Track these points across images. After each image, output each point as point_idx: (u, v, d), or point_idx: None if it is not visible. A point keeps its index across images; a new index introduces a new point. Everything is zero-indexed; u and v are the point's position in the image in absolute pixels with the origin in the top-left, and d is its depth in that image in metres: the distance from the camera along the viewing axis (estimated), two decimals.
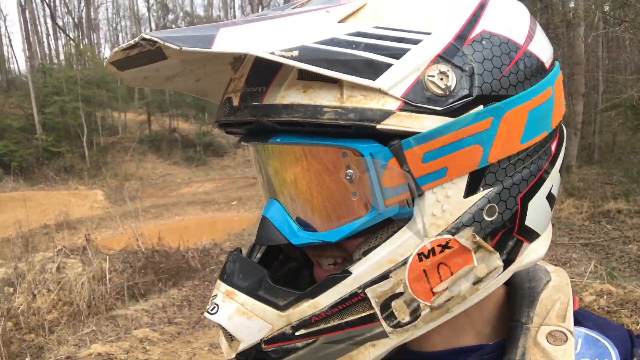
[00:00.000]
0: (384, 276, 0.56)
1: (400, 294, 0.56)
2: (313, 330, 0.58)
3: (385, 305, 0.57)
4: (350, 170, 0.56)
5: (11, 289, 7.17)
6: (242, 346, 0.60)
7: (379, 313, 0.57)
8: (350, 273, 0.57)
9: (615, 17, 9.90)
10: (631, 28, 9.21)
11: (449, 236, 0.56)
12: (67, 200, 19.34)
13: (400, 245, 0.56)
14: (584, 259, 7.55)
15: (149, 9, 50.32)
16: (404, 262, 0.56)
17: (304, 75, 0.55)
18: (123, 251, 9.34)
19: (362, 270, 0.57)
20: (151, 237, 9.57)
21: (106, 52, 53.62)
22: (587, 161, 17.40)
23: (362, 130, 0.54)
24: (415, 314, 0.57)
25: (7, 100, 31.35)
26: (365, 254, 0.57)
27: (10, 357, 5.63)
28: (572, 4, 15.54)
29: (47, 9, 42.74)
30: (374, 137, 0.55)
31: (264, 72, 0.57)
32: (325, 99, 0.54)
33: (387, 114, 0.53)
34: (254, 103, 0.57)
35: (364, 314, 0.57)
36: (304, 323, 0.58)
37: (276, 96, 0.56)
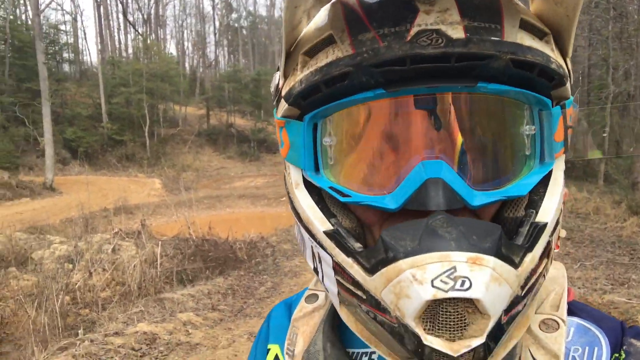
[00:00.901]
0: (557, 222, 0.60)
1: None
2: (529, 287, 0.54)
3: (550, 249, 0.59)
4: (531, 125, 0.59)
5: (70, 266, 7.61)
6: (492, 323, 0.49)
7: (546, 259, 0.58)
8: (546, 222, 0.57)
9: None
10: None
11: None
12: (126, 186, 20.30)
13: (558, 193, 0.60)
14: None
15: (213, 8, 51.96)
16: (560, 210, 0.61)
17: (524, 26, 0.57)
18: (175, 238, 9.68)
19: (551, 217, 0.58)
20: (202, 227, 9.87)
21: (172, 48, 55.73)
22: None
23: (547, 86, 0.59)
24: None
25: (79, 90, 33.28)
26: (534, 206, 0.59)
27: (66, 328, 5.98)
28: None
29: (119, 6, 44.93)
30: (545, 94, 0.59)
31: (487, 9, 0.57)
32: (548, 50, 0.58)
33: (567, 75, 0.60)
34: (493, 38, 0.55)
35: (544, 264, 0.57)
36: (527, 280, 0.54)
37: (515, 36, 0.56)
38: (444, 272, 0.48)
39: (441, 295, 0.47)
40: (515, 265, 0.51)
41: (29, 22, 32.88)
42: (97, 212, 13.56)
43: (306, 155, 0.63)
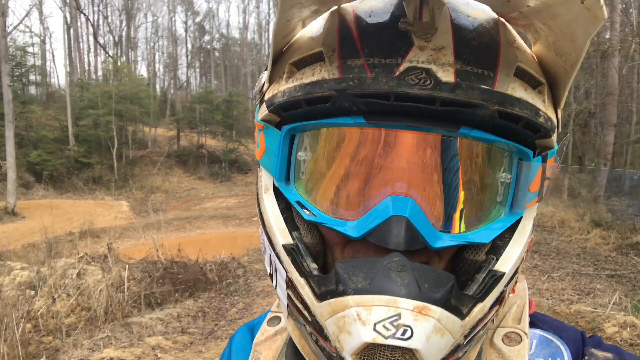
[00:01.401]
0: (515, 272, 0.59)
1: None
2: (473, 336, 0.55)
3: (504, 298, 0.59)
4: (508, 173, 0.59)
5: (32, 292, 7.32)
6: None
7: (498, 306, 0.58)
8: (504, 272, 0.57)
9: None
10: None
11: None
12: (92, 209, 19.77)
13: (523, 243, 0.60)
14: (608, 290, 7.29)
15: (186, 30, 51.95)
16: (522, 258, 0.60)
17: (520, 74, 0.56)
18: (143, 261, 9.44)
19: (510, 267, 0.58)
20: (171, 249, 9.68)
21: (142, 70, 55.27)
22: (616, 192, 16.93)
23: (530, 137, 0.58)
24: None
25: (45, 112, 32.53)
26: (496, 252, 0.59)
27: (28, 357, 5.72)
28: (607, 35, 15.36)
29: (90, 28, 44.49)
30: (528, 144, 0.59)
31: (483, 54, 0.55)
32: (538, 102, 0.57)
33: (555, 127, 0.60)
34: (483, 86, 0.53)
35: (494, 311, 0.58)
36: (472, 329, 0.54)
37: (507, 86, 0.55)
38: (388, 318, 0.48)
39: (380, 340, 0.48)
40: (462, 316, 0.52)
41: None
42: (61, 237, 13.16)
43: (279, 164, 0.62)
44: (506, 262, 0.58)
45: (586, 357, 0.64)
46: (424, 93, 0.53)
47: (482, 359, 0.62)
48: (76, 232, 13.00)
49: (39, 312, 6.69)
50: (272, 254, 0.63)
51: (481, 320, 0.54)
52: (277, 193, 0.64)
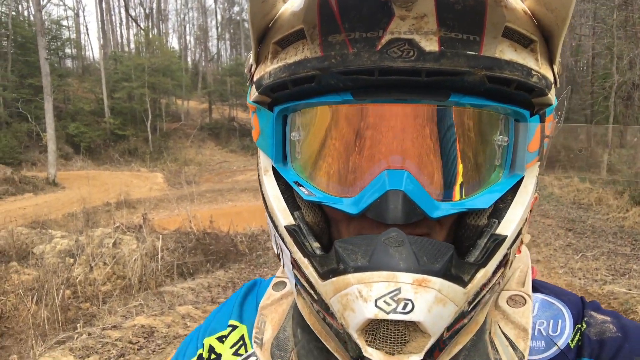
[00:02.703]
0: (519, 233, 0.59)
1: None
2: (478, 301, 0.55)
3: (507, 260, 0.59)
4: (504, 136, 0.58)
5: (71, 260, 7.64)
6: (431, 341, 0.50)
7: (503, 268, 0.58)
8: (506, 235, 0.57)
9: None
10: None
11: None
12: (129, 180, 20.37)
13: (525, 204, 0.59)
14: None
15: (215, 1, 51.77)
16: (525, 219, 0.60)
17: (509, 34, 0.54)
18: (176, 231, 9.70)
19: (512, 229, 0.58)
20: (204, 220, 9.88)
21: (174, 42, 55.64)
22: None
23: (525, 97, 0.57)
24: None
25: (81, 85, 33.34)
26: (498, 215, 0.58)
27: (67, 322, 6.01)
28: None
29: (121, 1, 44.86)
30: (524, 104, 0.58)
31: (468, 18, 0.53)
32: (530, 62, 0.56)
33: (551, 85, 0.58)
34: (469, 52, 0.52)
35: (499, 274, 0.58)
36: (476, 295, 0.54)
37: (494, 49, 0.53)
38: (388, 293, 0.49)
39: (382, 316, 0.49)
40: (464, 284, 0.52)
41: (31, 18, 32.91)
42: (99, 207, 13.60)
43: (274, 146, 0.62)
44: (508, 225, 0.58)
45: (585, 319, 0.65)
46: (408, 65, 0.51)
47: (487, 321, 0.63)
48: (113, 202, 13.42)
49: (77, 280, 6.98)
50: (276, 235, 0.63)
51: (485, 285, 0.55)
52: (277, 174, 0.64)
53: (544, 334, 0.64)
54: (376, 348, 0.51)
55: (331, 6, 0.55)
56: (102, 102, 30.78)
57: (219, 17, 52.08)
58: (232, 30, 54.47)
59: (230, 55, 55.64)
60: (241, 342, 0.77)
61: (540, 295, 0.69)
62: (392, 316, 0.49)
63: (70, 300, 6.58)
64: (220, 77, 39.55)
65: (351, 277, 0.51)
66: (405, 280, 0.49)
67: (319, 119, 0.60)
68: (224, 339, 0.78)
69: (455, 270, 0.52)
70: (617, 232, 9.63)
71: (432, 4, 0.52)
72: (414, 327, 0.50)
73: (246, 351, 0.75)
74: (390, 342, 0.50)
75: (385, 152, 0.56)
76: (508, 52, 0.54)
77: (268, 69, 0.60)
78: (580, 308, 0.67)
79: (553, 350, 0.63)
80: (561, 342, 0.63)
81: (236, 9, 53.80)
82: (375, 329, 0.51)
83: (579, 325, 0.64)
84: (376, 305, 0.49)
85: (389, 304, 0.49)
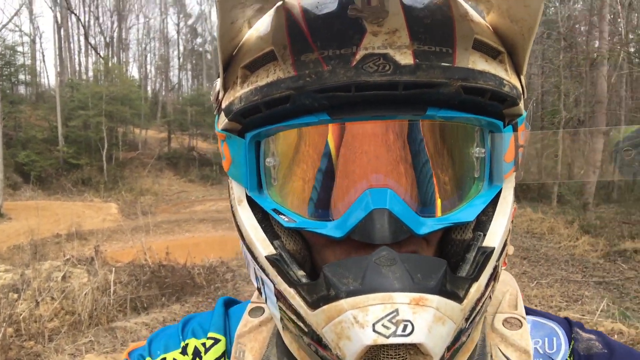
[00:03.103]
0: (504, 244, 0.59)
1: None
2: (474, 317, 0.54)
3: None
4: (481, 147, 0.58)
5: (15, 295, 7.19)
6: None
7: (493, 282, 0.58)
8: (493, 247, 0.56)
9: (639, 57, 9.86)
10: None
11: None
12: (81, 211, 19.58)
13: (507, 214, 0.59)
14: (596, 297, 7.33)
15: (178, 32, 51.78)
16: (509, 230, 0.60)
17: (478, 46, 0.55)
18: (130, 264, 9.34)
19: (499, 241, 0.57)
20: (159, 252, 9.58)
21: (134, 71, 55.13)
22: (605, 199, 17.06)
23: (497, 108, 0.57)
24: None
25: (34, 112, 32.22)
26: (482, 228, 0.58)
27: None
28: (596, 44, 15.55)
29: (81, 28, 44.21)
30: (496, 115, 0.58)
31: (439, 31, 0.53)
32: (501, 72, 0.56)
33: (521, 95, 0.59)
34: (443, 64, 0.52)
35: (490, 287, 0.57)
36: (472, 310, 0.53)
37: (467, 60, 0.54)
38: (386, 316, 0.47)
39: (382, 341, 0.46)
40: (460, 300, 0.50)
41: None
42: (48, 239, 12.98)
43: (248, 174, 0.60)
44: (494, 237, 0.57)
45: (573, 335, 0.66)
46: (385, 79, 0.51)
47: (486, 344, 0.63)
48: (63, 234, 12.85)
49: (21, 316, 6.57)
50: (256, 267, 0.60)
51: (479, 300, 0.54)
52: (252, 203, 0.62)
53: (541, 352, 0.65)
54: None
55: (300, 26, 0.55)
56: (56, 130, 29.81)
57: (181, 47, 52.08)
58: (194, 61, 54.47)
59: (192, 85, 55.47)
60: (222, 358, 0.72)
61: (530, 317, 0.69)
62: (392, 340, 0.46)
63: (12, 338, 6.16)
64: (180, 106, 39.25)
65: (344, 302, 0.48)
66: (402, 301, 0.47)
67: (294, 141, 0.58)
68: (199, 353, 0.73)
69: (450, 286, 0.50)
70: (568, 259, 9.99)
71: (402, 19, 0.53)
72: (414, 350, 0.47)
73: None
74: None
75: (365, 172, 0.55)
76: (480, 63, 0.55)
77: (238, 94, 0.58)
78: (568, 326, 0.69)
79: None
80: (559, 359, 0.64)
81: (199, 40, 54.02)
82: (375, 357, 0.48)
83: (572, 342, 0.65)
84: (374, 330, 0.46)
85: (387, 328, 0.46)
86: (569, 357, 0.64)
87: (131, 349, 0.77)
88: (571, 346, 0.65)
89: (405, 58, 0.51)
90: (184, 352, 0.73)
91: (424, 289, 0.48)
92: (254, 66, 0.57)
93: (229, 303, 0.81)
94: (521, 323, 0.65)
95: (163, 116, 38.12)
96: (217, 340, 0.73)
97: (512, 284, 0.72)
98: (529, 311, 0.71)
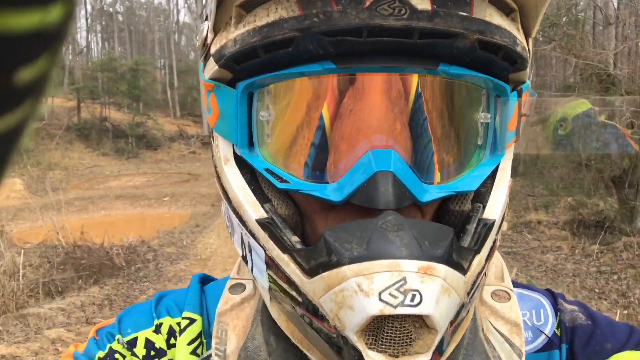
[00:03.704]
0: (503, 216, 0.57)
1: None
2: (474, 292, 0.51)
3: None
4: (486, 112, 0.55)
5: None
6: (438, 338, 0.45)
7: (491, 256, 0.56)
8: (494, 220, 0.54)
9: (544, 36, 10.50)
10: (559, 47, 9.76)
11: None
12: None
13: (506, 186, 0.57)
14: (506, 266, 7.92)
15: None
16: (506, 203, 0.58)
17: (493, 1, 0.51)
18: (41, 245, 8.76)
19: (499, 214, 0.55)
20: (73, 232, 9.04)
21: None
22: (512, 173, 18.35)
23: (506, 69, 0.54)
24: None
25: None
26: (481, 200, 0.56)
27: None
28: None
29: None
30: (502, 78, 0.55)
31: None
32: (514, 30, 0.53)
33: (527, 60, 0.55)
34: (461, 13, 0.48)
35: (488, 263, 0.55)
36: (472, 285, 0.50)
37: (484, 12, 0.50)
38: (393, 284, 0.44)
39: (389, 311, 0.43)
40: (464, 271, 0.48)
41: None
42: None
43: (239, 129, 0.55)
44: (493, 209, 0.55)
45: (559, 307, 0.66)
46: (401, 24, 0.47)
47: (476, 317, 0.61)
48: None
49: None
50: (244, 232, 0.56)
51: (479, 273, 0.52)
52: (239, 162, 0.57)
53: (529, 324, 0.65)
54: (378, 351, 0.45)
55: None
56: None
57: (88, 7, 48.21)
58: (104, 22, 50.75)
59: (102, 49, 51.82)
60: (199, 339, 0.67)
61: (515, 289, 0.67)
62: (400, 310, 0.43)
63: None
64: (90, 72, 36.62)
65: (347, 269, 0.45)
66: (410, 269, 0.44)
67: (292, 93, 0.53)
68: (174, 332, 0.69)
69: (456, 257, 0.47)
70: None
71: None
72: (420, 323, 0.45)
73: (203, 352, 0.67)
74: (395, 343, 0.44)
75: (368, 130, 0.51)
76: (496, 17, 0.51)
77: (232, 36, 0.52)
78: (552, 298, 0.68)
79: (541, 339, 0.64)
80: (548, 330, 0.64)
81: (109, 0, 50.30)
82: (377, 329, 0.45)
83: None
84: (380, 299, 0.43)
85: (395, 297, 0.43)
86: (557, 328, 0.65)
87: (99, 327, 0.72)
88: (558, 317, 0.65)
89: (422, 3, 0.47)
90: (157, 330, 0.68)
91: (432, 257, 0.45)
92: (251, 4, 0.52)
93: (204, 280, 0.76)
94: (509, 295, 0.63)
95: (71, 83, 35.36)
96: (192, 320, 0.68)
97: (496, 255, 0.69)
98: (512, 284, 0.69)
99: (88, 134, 29.84)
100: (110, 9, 50.15)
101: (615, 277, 6.42)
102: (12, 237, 9.39)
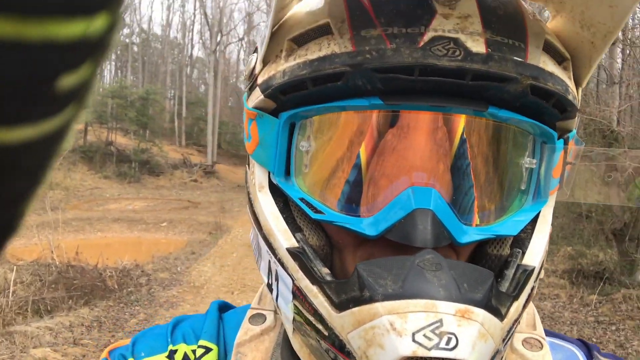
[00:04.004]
0: (543, 263, 0.56)
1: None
2: (508, 339, 0.50)
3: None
4: (532, 158, 0.55)
5: None
6: None
7: (528, 304, 0.55)
8: (534, 267, 0.53)
9: None
10: None
11: None
12: None
13: (547, 233, 0.56)
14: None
15: None
16: (546, 250, 0.57)
17: (547, 48, 0.52)
18: (34, 263, 8.65)
19: (539, 260, 0.54)
20: (68, 251, 8.97)
21: None
22: None
23: (556, 116, 0.54)
24: None
25: None
26: (521, 245, 0.55)
27: None
28: None
29: None
30: (550, 125, 0.55)
31: (511, 23, 0.50)
32: (566, 79, 0.53)
33: (577, 109, 0.55)
34: (515, 58, 0.48)
35: (525, 310, 0.54)
36: (508, 332, 0.49)
37: (538, 59, 0.50)
38: (429, 325, 0.42)
39: (422, 352, 0.42)
40: (502, 317, 0.47)
41: None
42: None
43: (278, 157, 0.55)
44: (533, 256, 0.54)
45: (593, 359, 0.65)
46: (454, 65, 0.47)
47: None
48: None
49: None
50: (273, 260, 0.55)
51: (515, 320, 0.50)
52: (273, 190, 0.57)
53: None
54: None
55: (361, 1, 0.51)
56: None
57: None
58: (118, 52, 51.95)
59: (115, 76, 52.83)
60: None
61: (547, 338, 0.65)
62: (434, 353, 0.41)
63: None
64: (100, 98, 37.24)
65: (380, 306, 0.43)
66: (447, 311, 0.43)
67: (335, 126, 0.53)
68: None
69: (495, 302, 0.46)
70: None
71: (474, 5, 0.50)
72: None
73: None
74: None
75: (410, 167, 0.50)
76: (550, 65, 0.51)
77: (282, 67, 0.53)
78: (587, 350, 0.67)
79: None
80: None
81: (126, 30, 51.62)
82: None
83: None
84: (414, 340, 0.42)
85: (430, 339, 0.42)
86: None
87: (113, 348, 0.70)
88: None
89: (477, 46, 0.48)
90: (171, 356, 0.66)
91: (470, 300, 0.44)
92: (304, 39, 0.52)
93: (223, 307, 0.74)
94: (541, 344, 0.61)
95: None
96: (208, 350, 0.66)
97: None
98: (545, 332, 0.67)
99: (92, 156, 30.03)
100: (127, 40, 51.49)
101: (614, 327, 6.30)
102: (6, 253, 9.30)
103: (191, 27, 48.67)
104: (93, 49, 0.20)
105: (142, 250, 11.63)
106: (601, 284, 7.59)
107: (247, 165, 0.64)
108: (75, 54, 0.19)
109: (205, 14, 35.14)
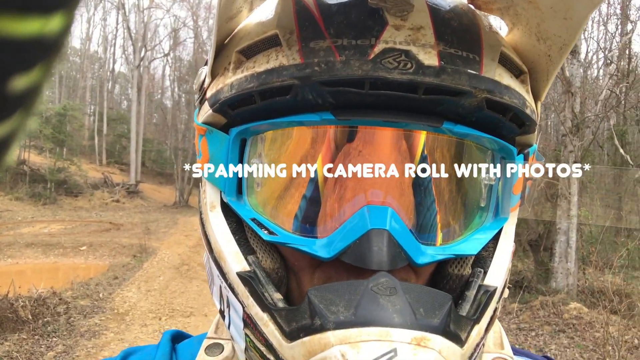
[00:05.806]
0: (506, 282, 0.54)
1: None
2: None
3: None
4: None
5: None
6: None
7: (491, 325, 0.53)
8: (495, 287, 0.51)
9: None
10: None
11: None
12: None
13: (509, 251, 0.55)
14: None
15: None
16: (509, 269, 0.55)
17: (503, 61, 0.50)
18: None
19: (501, 280, 0.52)
20: None
21: None
22: None
23: (514, 131, 0.53)
24: None
25: None
26: (482, 265, 0.53)
27: None
28: None
29: None
30: (509, 140, 0.54)
31: (466, 35, 0.47)
32: (523, 92, 0.51)
33: (536, 123, 0.54)
34: (469, 71, 0.46)
35: (488, 333, 0.52)
36: (471, 357, 0.46)
37: (493, 72, 0.48)
38: (383, 355, 0.40)
39: None
40: (462, 343, 0.44)
41: None
42: None
43: (228, 175, 0.52)
44: (495, 275, 0.52)
45: None
46: (406, 78, 0.45)
47: None
48: None
49: None
50: (224, 285, 0.52)
51: (477, 345, 0.48)
52: (226, 210, 0.54)
53: None
54: None
55: (311, 11, 0.49)
56: None
57: None
58: None
59: None
60: None
61: (515, 356, 0.63)
62: None
63: None
64: None
65: (331, 335, 0.41)
66: (402, 339, 0.40)
67: (288, 142, 0.51)
68: None
69: (453, 327, 0.44)
70: None
71: (428, 16, 0.48)
72: None
73: None
74: None
75: (365, 186, 0.48)
76: (506, 78, 0.50)
77: (229, 80, 0.51)
78: None
79: None
80: None
81: None
82: None
83: None
84: None
85: None
86: None
87: None
88: None
89: (429, 58, 0.46)
90: None
91: (427, 327, 0.42)
92: (252, 51, 0.50)
93: (177, 337, 0.69)
94: None
95: None
96: None
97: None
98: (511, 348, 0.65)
99: (2, 176, 27.79)
100: None
101: (533, 333, 6.70)
102: None
103: (113, 41, 46.85)
104: (47, 51, 0.19)
105: (59, 276, 10.86)
106: (521, 292, 8.07)
107: (200, 185, 0.60)
108: (29, 54, 0.18)
109: (129, 28, 33.97)
